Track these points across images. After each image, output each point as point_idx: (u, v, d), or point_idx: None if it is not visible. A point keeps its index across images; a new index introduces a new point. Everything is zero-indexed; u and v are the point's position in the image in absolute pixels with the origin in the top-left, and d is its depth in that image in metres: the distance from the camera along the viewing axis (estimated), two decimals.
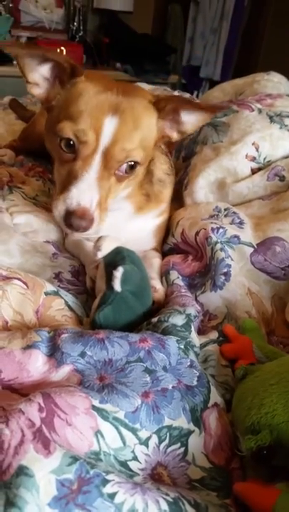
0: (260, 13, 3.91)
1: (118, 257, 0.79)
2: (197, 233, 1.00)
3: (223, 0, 3.86)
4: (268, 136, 1.21)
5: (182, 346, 0.68)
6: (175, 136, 0.93)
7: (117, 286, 0.74)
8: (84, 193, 0.78)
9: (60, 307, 0.78)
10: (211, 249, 0.96)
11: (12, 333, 0.66)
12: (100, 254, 0.81)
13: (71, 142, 0.79)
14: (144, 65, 3.48)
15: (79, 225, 0.78)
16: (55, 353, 0.63)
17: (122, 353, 0.64)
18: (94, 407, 0.54)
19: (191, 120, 0.91)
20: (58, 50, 3.20)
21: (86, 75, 0.83)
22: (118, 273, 0.74)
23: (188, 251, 1.05)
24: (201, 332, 0.84)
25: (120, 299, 0.75)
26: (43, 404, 0.51)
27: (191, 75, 4.22)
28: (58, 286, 0.86)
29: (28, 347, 0.63)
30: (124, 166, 0.82)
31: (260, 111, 1.28)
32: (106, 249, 0.81)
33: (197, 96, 4.25)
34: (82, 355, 0.63)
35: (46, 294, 0.78)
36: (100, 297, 0.77)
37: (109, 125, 0.78)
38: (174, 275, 0.96)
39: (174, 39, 4.00)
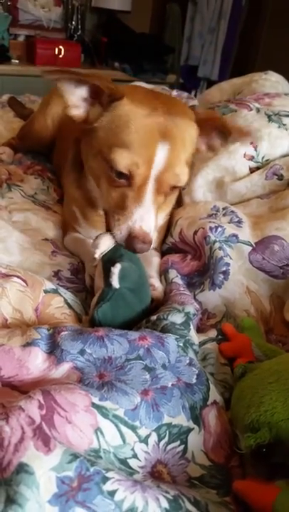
0: (258, 13, 3.92)
1: (116, 254, 0.79)
2: (195, 232, 1.00)
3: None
4: (266, 135, 1.21)
5: (181, 344, 0.68)
6: (203, 148, 0.96)
7: (115, 282, 0.74)
8: (145, 218, 0.80)
9: (59, 305, 0.78)
10: (209, 249, 0.96)
11: (12, 331, 0.66)
12: (98, 252, 0.81)
13: (125, 172, 0.80)
14: (143, 65, 3.47)
15: (142, 248, 0.81)
16: (54, 350, 0.63)
17: (121, 350, 0.64)
18: (94, 405, 0.54)
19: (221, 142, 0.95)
20: (56, 50, 3.20)
21: (128, 95, 0.83)
22: (116, 269, 0.75)
23: (187, 250, 1.05)
24: (200, 330, 0.84)
25: (118, 295, 0.75)
26: (42, 402, 0.51)
27: (188, 74, 4.22)
28: (57, 284, 0.86)
29: (28, 344, 0.63)
30: (171, 186, 0.84)
31: (258, 110, 1.28)
32: (104, 247, 0.81)
33: (195, 95, 4.26)
34: (82, 352, 0.63)
35: (45, 291, 0.78)
36: (98, 294, 0.77)
37: (161, 153, 0.79)
38: (172, 274, 0.96)
39: (172, 38, 4.00)
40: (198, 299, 0.92)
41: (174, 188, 0.85)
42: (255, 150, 1.18)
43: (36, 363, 0.61)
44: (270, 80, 1.91)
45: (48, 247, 1.01)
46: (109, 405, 0.55)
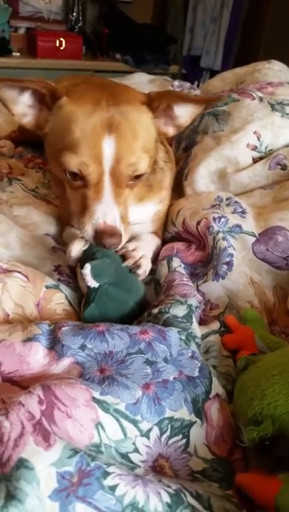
0: (261, 2, 3.86)
1: (88, 254, 0.81)
2: (198, 223, 0.99)
3: None
4: (270, 124, 1.19)
5: (183, 337, 0.68)
6: (171, 131, 0.94)
7: (90, 282, 0.75)
8: (108, 212, 0.80)
9: (60, 301, 0.78)
10: (212, 239, 0.95)
11: (13, 326, 0.65)
12: (72, 259, 0.83)
13: (77, 173, 0.80)
14: (144, 56, 3.44)
15: (110, 242, 0.81)
16: (55, 345, 0.63)
17: (122, 345, 0.63)
18: (94, 399, 0.54)
19: (184, 113, 0.91)
20: (57, 41, 3.17)
21: (68, 93, 0.82)
22: (86, 270, 0.76)
23: (191, 240, 1.04)
24: (202, 322, 0.83)
25: (101, 293, 0.76)
26: (42, 397, 0.51)
27: (191, 64, 4.18)
28: (58, 279, 0.86)
29: (29, 339, 0.63)
30: (128, 178, 0.83)
31: (261, 99, 1.27)
32: (75, 251, 0.83)
33: (198, 86, 4.22)
34: (83, 347, 0.63)
35: (47, 287, 0.78)
36: (84, 298, 0.79)
37: (109, 147, 0.78)
38: (176, 262, 0.95)
39: (174, 29, 3.95)
40: (201, 289, 0.91)
41: (136, 177, 0.84)
42: (259, 140, 1.17)
43: (37, 358, 0.61)
44: (273, 69, 1.89)
45: (49, 242, 1.01)
46: (110, 400, 0.55)
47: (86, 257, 0.80)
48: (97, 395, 0.55)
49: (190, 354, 0.66)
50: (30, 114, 0.87)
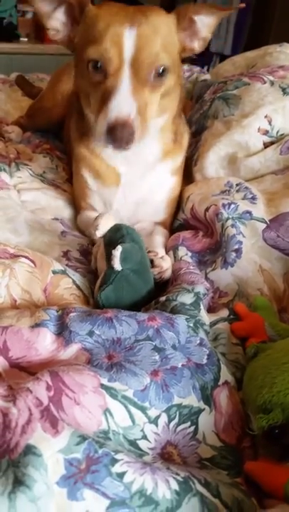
0: None
1: (117, 234, 0.78)
2: (207, 209, 0.98)
3: None
4: (281, 108, 1.17)
5: (191, 324, 0.67)
6: (196, 46, 0.95)
7: (117, 265, 0.73)
8: (121, 103, 0.79)
9: (68, 286, 0.77)
10: (221, 226, 0.94)
11: (20, 312, 0.65)
12: (99, 234, 0.81)
13: (98, 64, 0.81)
14: None
15: (121, 136, 0.79)
16: (63, 331, 0.62)
17: (130, 331, 0.63)
18: (102, 386, 0.53)
19: (205, 25, 0.92)
20: None
21: (95, 4, 0.87)
22: (117, 252, 0.73)
23: (198, 227, 1.03)
24: (211, 309, 0.82)
25: (121, 277, 0.74)
26: (50, 383, 0.50)
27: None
28: (66, 264, 0.85)
29: (37, 325, 0.62)
30: (153, 72, 0.82)
31: (272, 83, 1.24)
32: (104, 227, 0.81)
33: (208, 70, 4.16)
34: (91, 334, 0.62)
35: (54, 272, 0.77)
36: (101, 277, 0.77)
37: (130, 36, 0.79)
38: (182, 251, 0.94)
39: None
40: (210, 277, 0.90)
41: (158, 75, 0.83)
42: (270, 124, 1.15)
43: (45, 344, 0.61)
44: (285, 53, 1.84)
45: (57, 227, 1.00)
46: (118, 386, 0.55)
47: (115, 237, 0.78)
48: (105, 381, 0.54)
49: (198, 341, 0.65)
50: (62, 31, 0.92)
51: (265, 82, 1.24)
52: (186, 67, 1.88)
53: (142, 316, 0.65)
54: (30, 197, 1.07)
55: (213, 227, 0.96)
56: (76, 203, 1.13)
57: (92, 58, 0.81)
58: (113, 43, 0.79)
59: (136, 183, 1.03)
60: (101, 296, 0.74)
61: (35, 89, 1.79)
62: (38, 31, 3.21)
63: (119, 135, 0.79)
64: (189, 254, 0.95)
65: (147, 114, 0.83)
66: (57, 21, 0.90)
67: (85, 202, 1.07)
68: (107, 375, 0.55)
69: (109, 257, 0.75)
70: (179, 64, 0.93)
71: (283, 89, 1.21)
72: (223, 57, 4.07)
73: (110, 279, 0.74)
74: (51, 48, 3.13)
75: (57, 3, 0.88)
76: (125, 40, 0.79)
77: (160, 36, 0.83)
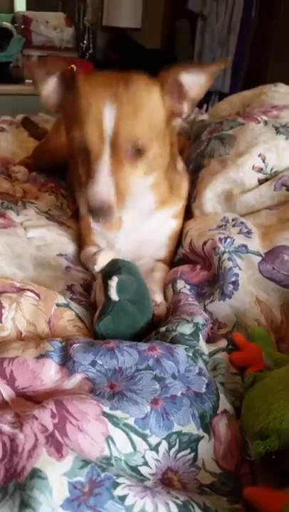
0: (268, 25, 3.93)
1: (114, 267, 0.82)
2: (205, 243, 1.01)
3: (230, 13, 3.89)
4: (274, 147, 1.22)
5: (191, 354, 0.70)
6: (185, 108, 0.95)
7: (114, 295, 0.77)
8: (101, 185, 0.83)
9: (71, 318, 0.80)
10: (218, 259, 0.97)
11: (26, 343, 0.68)
12: (97, 268, 0.85)
13: (82, 144, 0.85)
14: None
15: (100, 216, 0.85)
16: (67, 362, 0.65)
17: (131, 361, 0.66)
18: (104, 414, 0.56)
19: (194, 85, 0.91)
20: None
21: (84, 75, 0.88)
22: (113, 282, 0.77)
23: (197, 261, 1.06)
24: (210, 340, 0.85)
25: (119, 307, 0.77)
26: (55, 411, 0.53)
27: None
28: (70, 298, 0.89)
29: (41, 356, 0.65)
30: (131, 149, 0.85)
31: (266, 123, 1.30)
32: (102, 262, 0.85)
33: (206, 110, 4.27)
34: (93, 363, 0.65)
35: (58, 305, 0.81)
36: (100, 308, 0.80)
37: (108, 118, 0.82)
38: (180, 284, 0.98)
39: (183, 53, 4.05)
40: (208, 309, 0.93)
41: (137, 151, 0.86)
42: (264, 162, 1.20)
43: (49, 374, 0.63)
44: (280, 92, 1.93)
45: (62, 262, 1.04)
46: (120, 414, 0.57)
47: (112, 269, 0.82)
48: (107, 409, 0.57)
49: (197, 371, 0.68)
50: (55, 97, 0.94)
51: (259, 122, 1.30)
52: None
53: (143, 346, 0.68)
54: (36, 234, 1.12)
55: (211, 261, 1.00)
56: (80, 240, 1.17)
57: (76, 144, 0.85)
58: (93, 127, 0.82)
59: (137, 227, 1.08)
60: (99, 326, 0.77)
61: (40, 131, 1.87)
62: None
63: (99, 215, 0.86)
64: (188, 286, 0.98)
65: (126, 188, 0.87)
66: (50, 88, 0.93)
67: (89, 240, 1.12)
68: (109, 403, 0.58)
69: (106, 289, 0.78)
70: (164, 130, 0.93)
71: (276, 128, 1.27)
72: (222, 95, 4.21)
73: (108, 310, 0.77)
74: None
75: (50, 71, 0.91)
76: (104, 122, 0.82)
77: (140, 113, 0.84)
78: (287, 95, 1.93)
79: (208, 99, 4.33)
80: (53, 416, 0.52)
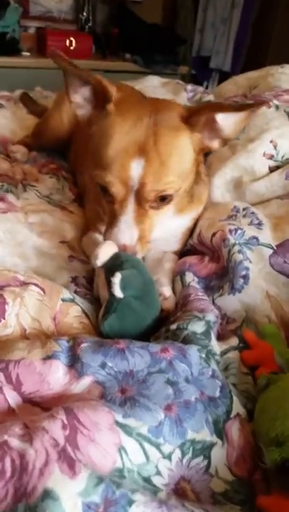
0: (271, 3, 3.84)
1: (116, 262, 0.78)
2: (214, 234, 0.98)
3: None
4: (287, 133, 1.18)
5: (203, 355, 0.67)
6: (216, 145, 0.91)
7: (118, 292, 0.73)
8: (124, 233, 0.82)
9: (77, 314, 0.77)
10: (227, 251, 0.94)
11: (31, 343, 0.65)
12: (99, 263, 0.80)
13: (105, 188, 0.83)
14: (154, 56, 3.42)
15: None
16: (75, 363, 0.62)
17: (143, 363, 0.62)
18: (117, 423, 0.53)
19: (229, 124, 0.87)
20: (68, 41, 3.16)
21: (116, 101, 0.85)
22: (116, 279, 0.74)
23: (205, 252, 1.03)
24: (220, 336, 0.82)
25: (124, 305, 0.74)
26: (66, 421, 0.50)
27: (200, 65, 4.16)
28: (75, 290, 0.85)
29: (48, 357, 0.62)
30: (152, 201, 0.84)
31: (277, 107, 1.25)
32: (104, 256, 0.80)
33: (207, 87, 4.19)
34: (103, 365, 0.62)
35: (63, 300, 0.77)
36: (104, 306, 0.77)
37: (136, 170, 0.80)
38: (189, 277, 0.94)
39: (184, 29, 3.93)
40: (217, 303, 0.90)
41: (161, 200, 0.85)
42: (275, 149, 1.15)
43: (57, 376, 0.60)
44: (287, 74, 1.87)
45: (65, 251, 1.00)
46: (133, 423, 0.54)
47: (114, 264, 0.78)
48: (119, 418, 0.54)
49: (210, 373, 0.65)
50: (85, 107, 0.90)
51: (270, 107, 1.25)
52: (189, 86, 1.89)
53: (155, 347, 0.65)
54: (37, 219, 1.07)
55: (220, 253, 0.96)
56: (86, 224, 1.14)
57: (99, 183, 0.83)
58: (120, 177, 0.81)
59: None
60: (104, 326, 0.74)
61: (40, 107, 1.80)
62: (40, 46, 3.24)
63: None
64: (196, 279, 0.95)
65: (150, 232, 0.87)
66: (81, 97, 0.89)
67: (95, 226, 1.08)
68: (122, 410, 0.55)
69: (110, 285, 0.75)
70: (192, 167, 0.91)
71: (288, 114, 1.22)
72: (222, 73, 4.13)
73: (113, 308, 0.74)
74: (53, 62, 3.14)
75: (84, 81, 0.87)
76: (131, 174, 0.80)
77: (169, 164, 0.82)
78: None
79: (208, 76, 4.25)
80: (63, 427, 0.49)
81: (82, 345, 0.64)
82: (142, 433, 0.54)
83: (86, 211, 1.18)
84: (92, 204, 1.09)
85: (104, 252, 0.80)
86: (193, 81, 3.94)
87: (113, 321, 0.74)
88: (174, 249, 1.07)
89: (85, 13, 3.38)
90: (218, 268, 0.97)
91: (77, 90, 0.88)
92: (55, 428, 0.49)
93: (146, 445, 0.54)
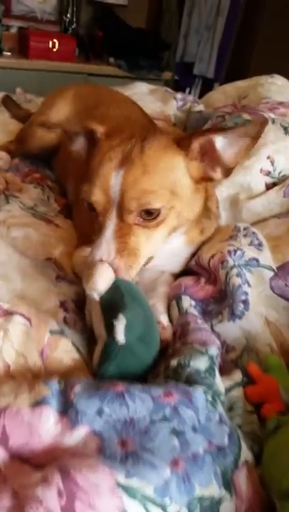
0: (256, 11, 3.85)
1: (116, 296, 0.70)
2: (212, 256, 0.92)
3: None
4: (283, 148, 1.14)
5: (210, 398, 0.60)
6: (218, 175, 0.85)
7: (121, 338, 0.65)
8: (100, 248, 0.76)
9: (67, 348, 0.69)
10: (225, 274, 0.89)
11: (18, 386, 0.57)
12: (97, 296, 0.71)
13: (91, 203, 0.80)
14: (138, 61, 3.37)
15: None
16: (68, 410, 0.55)
17: (144, 410, 0.56)
18: (119, 485, 0.47)
19: (231, 150, 0.81)
20: (50, 42, 3.07)
21: (105, 133, 0.85)
22: (120, 324, 0.65)
23: (201, 273, 0.97)
24: (221, 369, 0.75)
25: (126, 350, 0.66)
26: (62, 487, 0.43)
27: (184, 71, 4.13)
28: (64, 317, 0.78)
29: (37, 403, 0.55)
30: (134, 213, 0.78)
31: (273, 121, 1.21)
32: (101, 286, 0.71)
33: (190, 93, 4.17)
34: (100, 412, 0.55)
35: (51, 332, 0.69)
36: (101, 349, 0.68)
37: (115, 180, 0.77)
38: (186, 301, 0.88)
39: (168, 34, 3.89)
40: (216, 330, 0.84)
41: (147, 214, 0.78)
42: (272, 165, 1.11)
43: (48, 426, 0.53)
44: (276, 84, 1.85)
45: (51, 271, 0.92)
46: (137, 483, 0.48)
47: (114, 299, 0.69)
48: (121, 478, 0.47)
49: (218, 418, 0.59)
50: (83, 154, 0.93)
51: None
52: (179, 95, 1.84)
53: (157, 390, 0.58)
54: (20, 234, 1.00)
55: (217, 275, 0.91)
56: (77, 237, 1.07)
57: (84, 197, 0.80)
58: (101, 187, 0.78)
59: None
60: (103, 373, 0.66)
61: (23, 112, 1.71)
62: (22, 46, 3.14)
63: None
64: (193, 303, 0.89)
65: (138, 252, 0.79)
66: (80, 145, 0.92)
67: (89, 237, 1.00)
68: (123, 469, 0.48)
69: (108, 323, 0.67)
70: (192, 194, 0.85)
71: (285, 128, 1.18)
72: (205, 80, 4.10)
73: (113, 354, 0.66)
74: (35, 63, 3.07)
75: (78, 132, 0.91)
76: (112, 183, 0.77)
77: (152, 175, 0.77)
78: (284, 88, 1.86)
79: (191, 82, 4.22)
80: (60, 494, 0.43)
81: (76, 388, 0.57)
82: (146, 494, 0.48)
83: (77, 223, 1.11)
84: (84, 215, 1.02)
85: (102, 281, 0.71)
86: (176, 87, 3.92)
87: (114, 368, 0.66)
88: (173, 270, 1.01)
89: (68, 15, 3.30)
90: (215, 291, 0.91)
91: (76, 139, 0.93)
92: (51, 497, 0.42)
93: (152, 507, 0.48)
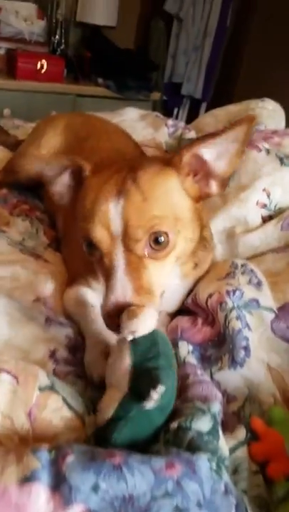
0: (242, 32, 3.90)
1: (151, 354, 0.64)
2: (210, 296, 0.88)
3: (207, 18, 3.80)
4: (279, 180, 1.11)
5: (214, 466, 0.55)
6: (214, 188, 0.80)
7: (150, 405, 0.60)
8: (115, 291, 0.69)
9: (57, 406, 0.63)
10: (224, 317, 0.85)
11: (4, 458, 0.52)
12: (130, 337, 0.66)
13: (92, 243, 0.74)
14: (127, 82, 3.37)
15: (128, 328, 0.67)
16: (60, 485, 0.49)
17: (144, 485, 0.50)
18: None
19: (221, 159, 0.77)
20: (39, 64, 3.05)
21: (93, 169, 0.81)
22: (156, 395, 0.59)
23: (198, 312, 0.93)
24: (223, 424, 0.70)
25: (144, 415, 0.61)
26: None
27: (172, 92, 4.14)
28: (54, 369, 0.73)
29: (26, 479, 0.49)
30: (143, 243, 0.72)
31: (268, 151, 1.19)
32: (143, 331, 0.66)
33: (177, 113, 4.18)
34: (95, 488, 0.50)
35: (40, 389, 0.63)
36: (116, 406, 0.62)
37: (115, 212, 0.72)
38: (183, 349, 0.83)
39: (157, 55, 3.91)
40: (216, 378, 0.79)
41: (156, 243, 0.72)
42: (268, 197, 1.08)
43: (38, 505, 0.48)
44: (267, 109, 1.84)
45: (40, 313, 0.87)
46: None
47: (148, 359, 0.64)
48: None
49: (223, 489, 0.54)
50: (67, 193, 0.87)
51: (260, 150, 1.18)
52: (170, 122, 1.82)
53: (158, 462, 0.53)
54: (8, 272, 0.95)
55: (215, 317, 0.87)
56: (70, 274, 1.02)
57: (84, 237, 0.75)
58: (100, 222, 0.72)
59: None
60: (115, 438, 0.60)
61: (11, 138, 1.67)
62: (10, 67, 3.11)
63: (125, 331, 0.68)
64: (190, 348, 0.84)
65: (153, 284, 0.73)
66: (62, 185, 0.86)
67: (82, 278, 0.95)
68: None
69: (140, 386, 0.61)
70: (193, 216, 0.80)
71: (280, 159, 1.16)
72: (193, 100, 4.12)
73: (129, 414, 0.61)
74: (23, 84, 3.04)
75: (63, 168, 0.84)
76: (111, 217, 0.72)
77: (152, 201, 0.73)
78: (275, 112, 1.87)
79: (179, 103, 4.24)
80: None
81: (68, 458, 0.52)
82: None
83: (67, 258, 1.06)
84: (78, 251, 0.97)
85: (145, 327, 0.66)
86: (164, 107, 3.92)
87: (127, 432, 0.60)
88: (170, 309, 0.97)
89: (57, 36, 3.29)
90: (213, 334, 0.87)
91: (56, 181, 0.86)
92: None
93: None
